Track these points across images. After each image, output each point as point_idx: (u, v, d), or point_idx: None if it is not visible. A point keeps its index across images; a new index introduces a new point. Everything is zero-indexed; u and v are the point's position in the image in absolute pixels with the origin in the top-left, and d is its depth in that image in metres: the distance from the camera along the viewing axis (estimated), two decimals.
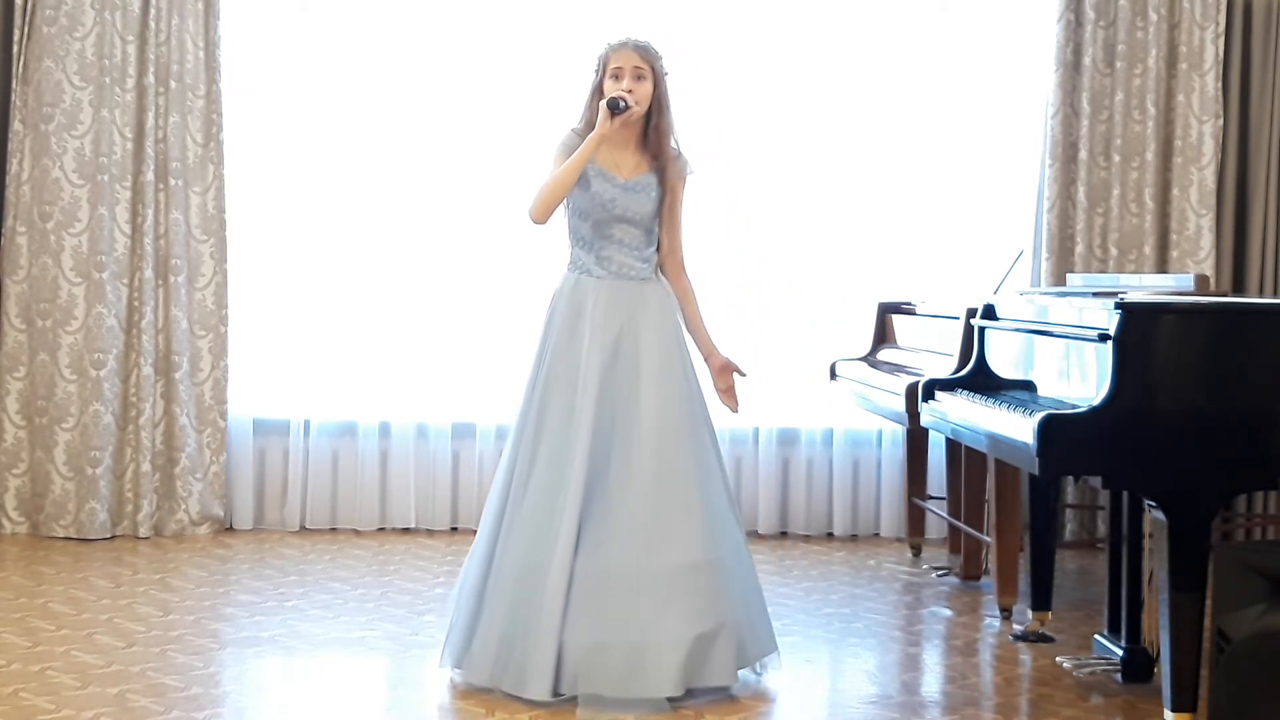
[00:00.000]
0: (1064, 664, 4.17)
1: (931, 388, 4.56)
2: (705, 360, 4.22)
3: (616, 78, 4.02)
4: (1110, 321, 3.49)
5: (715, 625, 3.85)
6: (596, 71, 4.09)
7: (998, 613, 4.84)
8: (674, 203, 4.13)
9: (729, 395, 4.22)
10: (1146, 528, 4.00)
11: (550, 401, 3.99)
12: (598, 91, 4.06)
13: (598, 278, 4.05)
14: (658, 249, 4.15)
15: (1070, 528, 6.27)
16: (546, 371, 4.03)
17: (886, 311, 6.07)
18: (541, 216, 4.01)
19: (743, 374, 4.23)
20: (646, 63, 4.03)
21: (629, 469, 3.90)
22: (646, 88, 4.03)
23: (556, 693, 3.77)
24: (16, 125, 5.98)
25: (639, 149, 4.09)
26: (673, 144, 4.11)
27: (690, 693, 3.82)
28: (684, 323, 4.18)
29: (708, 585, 3.87)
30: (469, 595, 3.99)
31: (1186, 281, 4.79)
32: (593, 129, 3.98)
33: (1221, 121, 6.15)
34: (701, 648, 3.82)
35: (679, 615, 3.81)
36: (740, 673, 3.96)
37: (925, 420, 4.62)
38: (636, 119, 4.04)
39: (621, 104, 3.95)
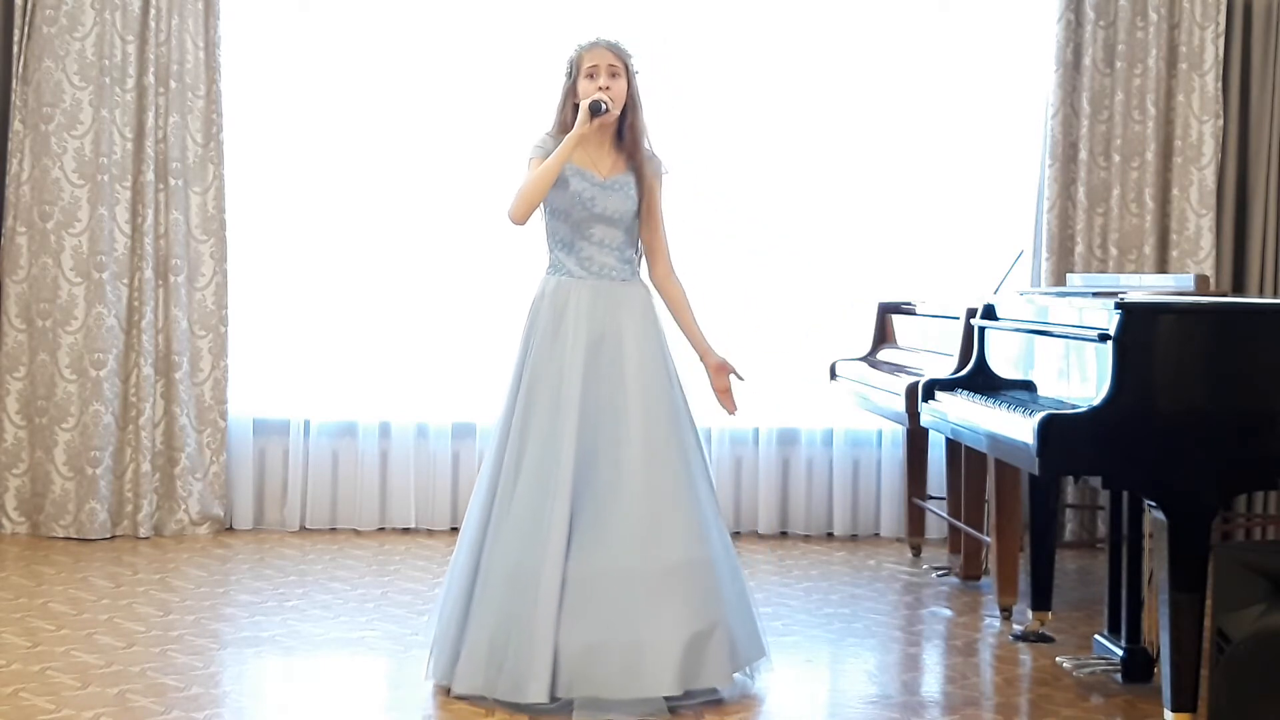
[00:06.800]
0: (1064, 664, 4.17)
1: (931, 388, 4.56)
2: (701, 360, 4.17)
3: (591, 76, 3.98)
4: (1110, 321, 3.49)
5: (709, 624, 3.82)
6: (568, 74, 4.05)
7: (998, 613, 4.84)
8: (653, 203, 4.08)
9: (726, 396, 4.17)
10: (1146, 528, 4.00)
11: (535, 404, 3.94)
12: (572, 93, 4.02)
13: (579, 279, 4.01)
14: (643, 254, 4.12)
15: (1070, 528, 6.26)
16: (530, 374, 3.98)
17: (886, 311, 6.07)
18: (521, 217, 3.95)
19: (740, 377, 4.18)
20: (620, 61, 4.01)
21: (618, 470, 3.86)
22: (621, 85, 4.00)
23: (554, 697, 3.74)
24: (16, 125, 5.98)
25: (614, 148, 4.06)
26: (646, 143, 4.08)
27: (686, 694, 3.79)
28: (678, 325, 4.15)
29: (700, 583, 3.85)
30: (454, 604, 3.93)
31: (1186, 281, 4.79)
32: (567, 132, 3.94)
33: (1221, 121, 6.15)
34: (697, 646, 3.78)
35: (674, 613, 3.78)
36: (734, 676, 3.93)
37: (925, 420, 4.63)
38: (613, 119, 4.02)
39: (604, 106, 3.92)
